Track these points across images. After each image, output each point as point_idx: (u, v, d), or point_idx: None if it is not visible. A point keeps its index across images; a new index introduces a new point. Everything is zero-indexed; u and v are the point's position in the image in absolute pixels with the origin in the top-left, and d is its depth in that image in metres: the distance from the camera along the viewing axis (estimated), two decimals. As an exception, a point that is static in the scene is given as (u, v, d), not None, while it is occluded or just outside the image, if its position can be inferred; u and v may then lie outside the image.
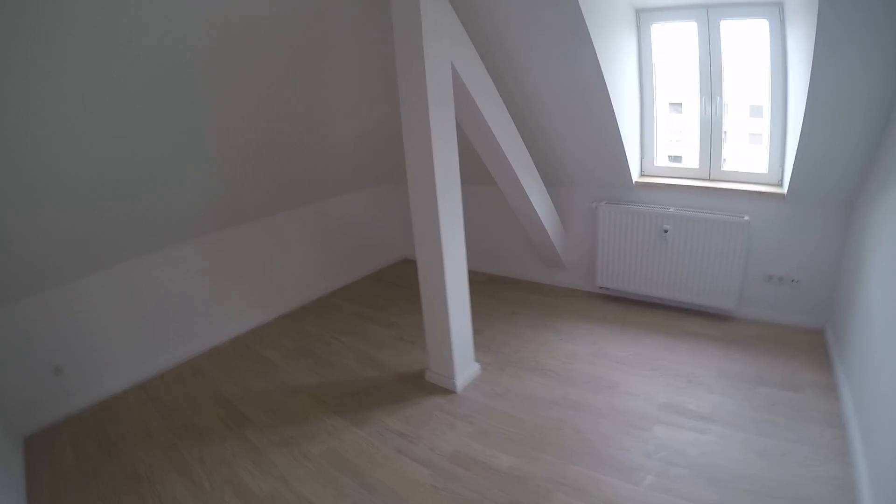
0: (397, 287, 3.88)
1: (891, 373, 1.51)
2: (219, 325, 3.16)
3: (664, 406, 2.15)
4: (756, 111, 2.65)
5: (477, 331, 2.93)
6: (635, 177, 2.92)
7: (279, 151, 2.90)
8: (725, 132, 2.67)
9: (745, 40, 2.50)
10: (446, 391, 2.45)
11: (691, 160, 2.82)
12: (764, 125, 2.50)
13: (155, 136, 2.25)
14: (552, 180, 3.14)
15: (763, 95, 2.47)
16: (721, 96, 2.57)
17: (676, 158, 3.06)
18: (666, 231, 2.75)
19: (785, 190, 2.41)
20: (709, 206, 2.67)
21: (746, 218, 2.49)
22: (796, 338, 2.53)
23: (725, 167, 2.70)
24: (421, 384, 2.54)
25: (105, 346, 2.67)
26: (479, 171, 3.36)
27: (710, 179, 2.74)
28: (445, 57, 2.07)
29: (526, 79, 2.56)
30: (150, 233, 2.67)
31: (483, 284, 3.71)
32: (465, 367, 2.49)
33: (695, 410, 2.09)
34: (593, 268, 3.24)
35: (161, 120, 2.21)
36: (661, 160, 2.95)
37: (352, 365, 2.79)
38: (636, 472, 1.81)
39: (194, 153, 2.49)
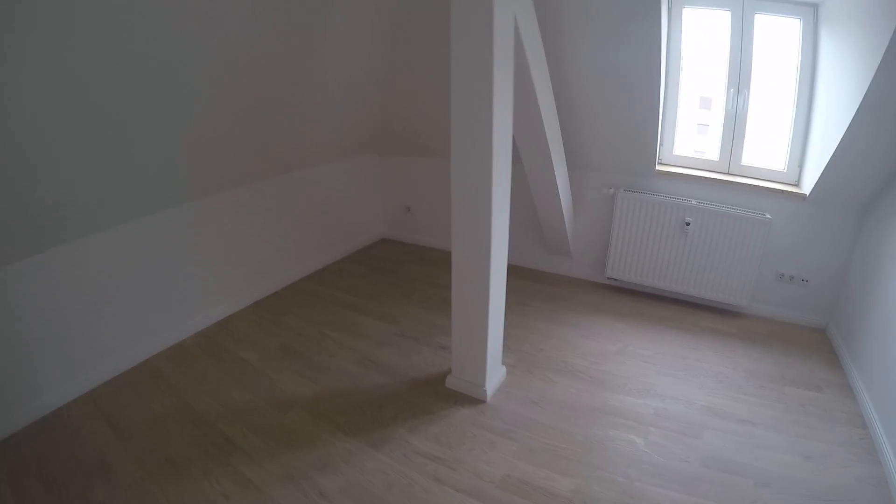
0: (383, 272, 3.65)
1: None
2: (179, 316, 2.74)
3: (706, 410, 2.27)
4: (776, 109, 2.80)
5: (489, 327, 2.89)
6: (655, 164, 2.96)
7: (254, 109, 2.50)
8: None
9: (775, 38, 2.60)
10: (474, 400, 2.34)
11: (711, 153, 2.92)
12: (787, 124, 2.65)
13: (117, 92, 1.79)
14: (568, 163, 3.07)
15: (788, 95, 2.60)
16: (748, 90, 2.67)
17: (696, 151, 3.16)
18: (688, 224, 2.85)
19: (804, 189, 2.62)
20: (728, 200, 2.82)
21: (769, 216, 2.67)
22: (804, 336, 2.82)
23: (745, 162, 2.84)
24: (441, 392, 2.40)
25: (41, 347, 2.18)
26: None
27: (728, 173, 2.88)
28: (510, 10, 1.84)
29: (573, 50, 2.42)
30: (92, 210, 2.17)
31: None
32: (494, 372, 2.40)
33: (735, 414, 2.24)
34: (602, 257, 3.31)
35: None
36: (679, 150, 3.02)
37: (351, 368, 2.56)
38: (700, 484, 1.89)
39: (161, 110, 2.05)
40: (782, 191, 2.68)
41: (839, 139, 2.17)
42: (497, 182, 2.00)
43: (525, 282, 3.51)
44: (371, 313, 3.08)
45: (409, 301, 3.23)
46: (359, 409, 2.27)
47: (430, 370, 2.56)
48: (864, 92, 1.96)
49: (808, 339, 2.79)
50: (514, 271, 3.63)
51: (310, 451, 2.04)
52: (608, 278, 3.31)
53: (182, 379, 2.44)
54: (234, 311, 3.03)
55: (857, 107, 2.01)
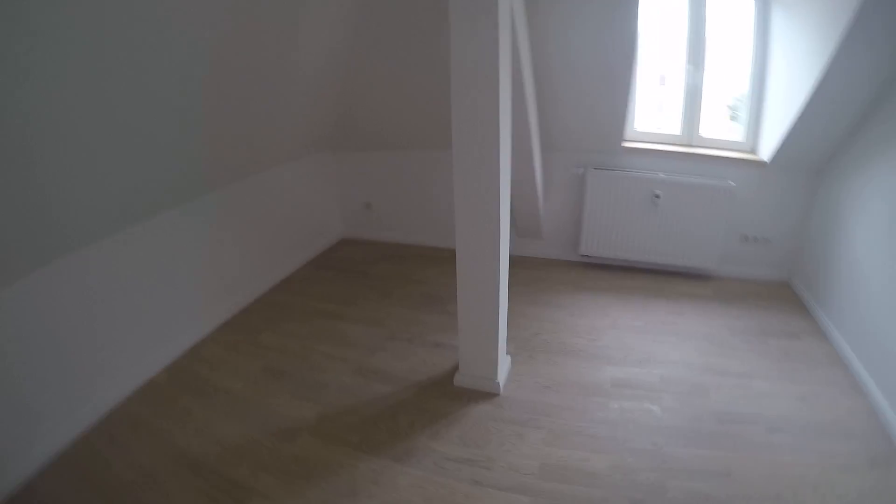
0: (353, 274, 3.52)
1: (885, 318, 2.01)
2: (142, 350, 2.45)
3: (705, 369, 2.45)
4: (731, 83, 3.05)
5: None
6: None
7: (209, 109, 2.26)
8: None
9: (730, 15, 2.82)
10: (488, 395, 2.33)
11: (671, 127, 3.12)
12: (743, 98, 2.90)
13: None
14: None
15: (743, 70, 2.85)
16: (703, 66, 2.88)
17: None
18: (658, 196, 3.03)
19: (762, 157, 2.89)
20: (692, 170, 3.04)
21: (732, 183, 2.91)
22: (771, 291, 3.13)
23: (704, 134, 3.08)
24: (451, 391, 2.37)
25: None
26: (426, 135, 3.25)
27: (690, 146, 3.09)
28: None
29: (542, 32, 2.44)
30: (35, 240, 1.85)
31: (454, 262, 3.63)
32: (503, 363, 2.41)
33: (731, 370, 2.45)
34: (574, 236, 3.44)
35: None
36: (641, 126, 3.20)
37: (349, 381, 2.45)
38: (720, 439, 2.04)
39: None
40: (743, 159, 2.94)
41: (800, 111, 2.42)
42: (503, 173, 1.99)
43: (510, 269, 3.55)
44: (353, 319, 2.95)
45: (390, 301, 3.14)
46: (371, 424, 2.18)
47: (431, 371, 2.52)
48: (825, 69, 2.19)
49: (776, 293, 3.11)
50: None
51: (332, 478, 1.92)
52: (582, 256, 3.45)
53: (165, 422, 2.18)
54: (203, 336, 2.76)
55: (818, 81, 2.25)
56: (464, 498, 1.82)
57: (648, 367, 2.49)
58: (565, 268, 3.53)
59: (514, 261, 3.56)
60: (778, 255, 3.15)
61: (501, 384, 2.35)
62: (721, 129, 3.13)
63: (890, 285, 2.16)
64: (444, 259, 3.67)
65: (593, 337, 2.74)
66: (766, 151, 2.84)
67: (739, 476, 1.86)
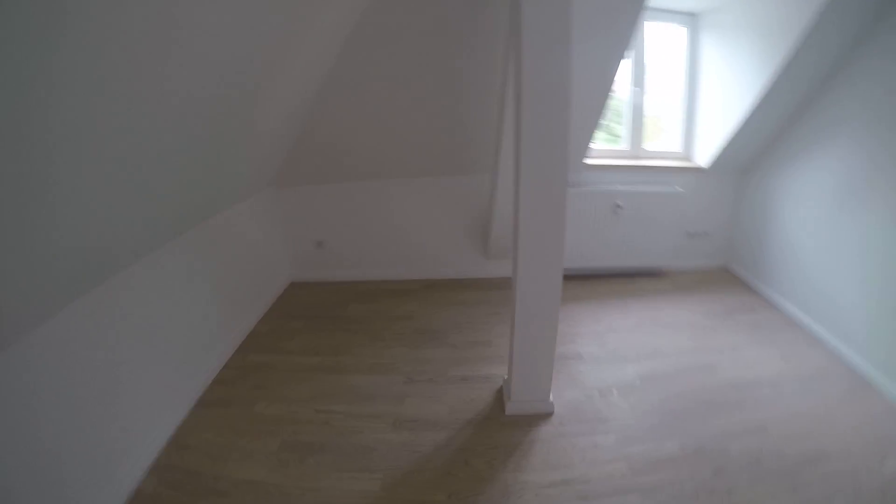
0: (324, 320, 3.31)
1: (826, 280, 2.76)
2: (112, 458, 1.93)
3: (702, 351, 2.93)
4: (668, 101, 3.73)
5: (487, 343, 2.98)
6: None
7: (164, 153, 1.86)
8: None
9: (665, 42, 3.52)
10: (543, 415, 2.43)
11: (619, 143, 3.68)
12: (679, 113, 3.59)
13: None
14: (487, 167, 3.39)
15: (677, 88, 3.55)
16: (643, 86, 3.50)
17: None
18: (620, 206, 3.52)
19: (700, 163, 3.59)
20: (644, 180, 3.60)
21: (680, 189, 3.54)
22: (716, 277, 3.86)
23: (647, 147, 3.69)
24: (506, 421, 2.40)
25: None
26: (388, 163, 3.33)
27: (638, 158, 3.68)
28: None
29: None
30: None
31: (429, 291, 3.71)
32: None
33: (721, 346, 2.97)
34: None
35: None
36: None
37: (393, 437, 2.31)
38: (745, 403, 2.48)
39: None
40: (684, 167, 3.61)
41: (739, 124, 3.13)
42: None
43: (476, 292, 3.71)
44: (354, 370, 2.76)
45: (385, 343, 3.02)
46: (447, 475, 2.09)
47: (474, 406, 2.51)
48: (763, 90, 2.90)
49: (720, 277, 3.85)
50: (456, 285, 3.83)
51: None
52: (546, 269, 3.77)
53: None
54: (179, 421, 2.29)
55: (757, 100, 2.95)
56: None
57: (660, 358, 2.88)
58: (538, 283, 3.80)
59: (488, 284, 3.85)
60: (716, 245, 3.94)
61: (554, 402, 2.47)
62: (660, 142, 3.81)
63: (824, 254, 2.96)
64: (417, 291, 3.74)
65: (600, 342, 3.04)
66: (702, 158, 3.55)
67: (772, 427, 2.32)
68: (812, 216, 3.09)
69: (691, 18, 3.38)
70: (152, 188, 1.85)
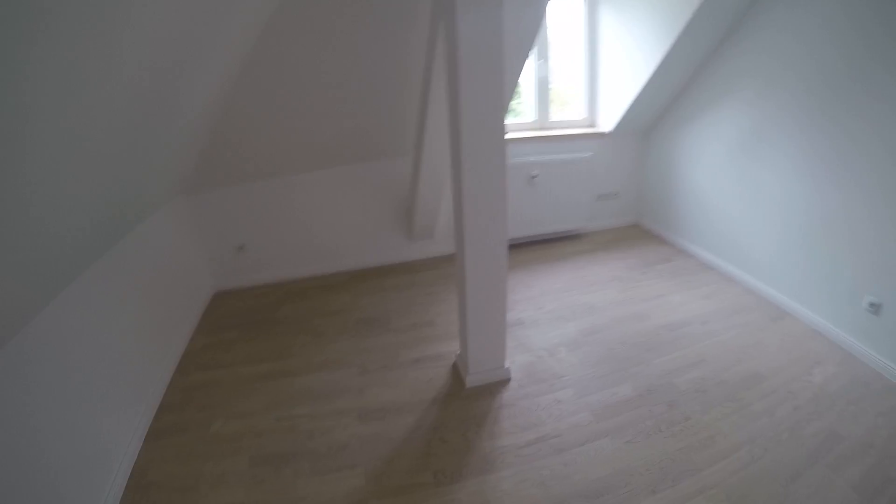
0: (260, 326, 3.15)
1: (730, 228, 3.27)
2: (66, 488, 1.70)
3: (633, 301, 3.25)
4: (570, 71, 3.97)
5: (430, 324, 3.06)
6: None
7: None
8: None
9: (566, 15, 3.75)
10: (502, 382, 2.56)
11: (526, 115, 3.87)
12: (581, 82, 3.85)
13: None
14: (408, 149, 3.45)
15: (578, 58, 3.80)
16: (547, 59, 3.71)
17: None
18: (534, 177, 3.72)
19: (605, 129, 3.89)
20: (554, 149, 3.84)
21: (588, 154, 3.83)
22: (631, 232, 4.23)
23: (553, 118, 3.92)
24: (470, 393, 2.49)
25: None
26: (303, 157, 3.27)
27: (545, 129, 3.89)
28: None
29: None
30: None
31: (358, 281, 3.69)
32: (502, 350, 2.67)
33: (650, 295, 3.31)
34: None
35: None
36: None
37: (364, 430, 2.28)
38: (679, 341, 2.81)
39: None
40: (589, 133, 3.89)
41: (639, 91, 3.45)
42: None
43: (405, 275, 3.76)
44: (305, 370, 2.67)
45: (328, 339, 2.95)
46: (427, 456, 2.12)
47: (435, 385, 2.56)
48: (662, 58, 3.22)
49: (633, 233, 4.23)
50: (385, 271, 3.87)
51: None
52: (472, 245, 3.91)
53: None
54: (134, 455, 2.07)
55: (655, 68, 3.27)
56: (564, 467, 2.03)
57: (595, 313, 3.13)
58: (464, 259, 3.93)
59: (408, 267, 3.93)
60: (626, 204, 4.33)
61: (511, 369, 2.61)
62: (565, 111, 4.08)
63: (727, 200, 3.43)
64: (346, 283, 3.70)
65: (536, 306, 3.24)
66: (606, 124, 3.86)
67: (709, 359, 2.65)
68: (712, 168, 3.52)
69: None
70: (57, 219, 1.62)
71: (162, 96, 1.83)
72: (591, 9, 3.71)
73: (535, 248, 4.07)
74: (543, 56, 3.67)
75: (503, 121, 2.09)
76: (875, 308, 2.52)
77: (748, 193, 3.25)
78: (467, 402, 2.44)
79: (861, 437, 2.11)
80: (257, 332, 3.05)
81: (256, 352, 2.86)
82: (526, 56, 2.82)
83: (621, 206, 4.36)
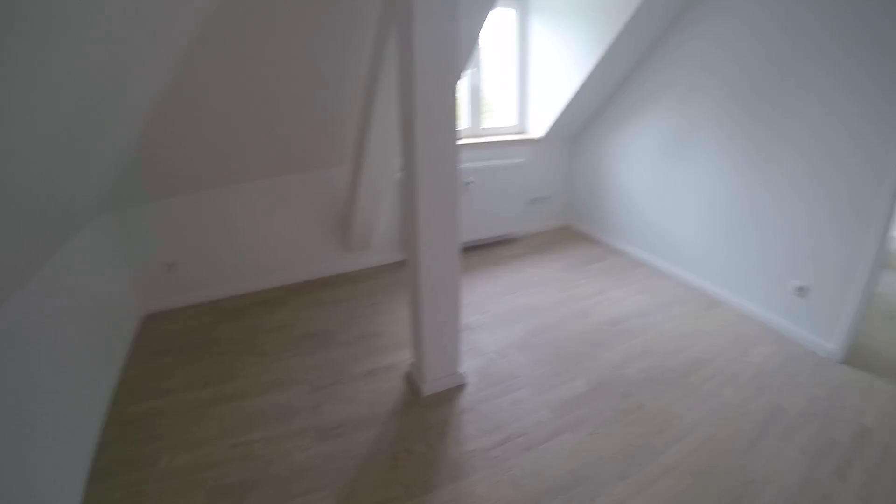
0: (198, 348, 2.95)
1: (658, 225, 3.55)
2: None
3: (572, 300, 3.43)
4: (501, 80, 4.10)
5: (377, 335, 3.05)
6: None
7: None
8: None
9: (498, 25, 3.89)
10: (458, 388, 2.59)
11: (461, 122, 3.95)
12: (512, 90, 4.00)
13: None
14: (344, 159, 3.44)
15: (510, 67, 3.95)
16: (479, 68, 3.83)
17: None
18: (469, 183, 3.81)
19: (537, 135, 4.07)
20: (487, 156, 3.95)
21: (520, 160, 3.98)
22: (561, 235, 4.44)
23: (484, 125, 4.04)
24: (428, 402, 2.50)
25: None
26: (238, 167, 3.19)
27: (477, 136, 4.00)
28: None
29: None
30: None
31: (298, 296, 3.59)
32: (455, 354, 2.71)
33: (587, 293, 3.51)
34: (398, 237, 3.93)
35: None
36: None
37: (326, 448, 2.20)
38: (621, 335, 3.01)
39: None
40: (521, 139, 4.04)
41: (570, 97, 3.66)
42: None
43: (344, 287, 3.71)
44: (254, 392, 2.54)
45: (273, 358, 2.82)
46: (395, 469, 2.10)
47: (391, 396, 2.55)
48: (592, 67, 3.46)
49: (564, 235, 4.46)
50: (323, 284, 3.81)
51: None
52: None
53: None
54: (77, 497, 1.83)
55: (586, 76, 3.50)
56: (534, 464, 2.10)
57: (539, 313, 3.27)
58: (397, 269, 3.97)
59: (346, 279, 3.92)
60: (557, 206, 4.56)
61: (466, 372, 2.66)
62: (497, 118, 4.21)
63: (655, 199, 3.73)
64: (285, 298, 3.60)
65: (482, 310, 3.32)
66: (536, 130, 4.05)
67: (653, 349, 2.88)
68: (639, 170, 3.82)
69: (521, 2, 3.81)
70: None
71: (98, 104, 1.69)
72: (522, 19, 3.89)
73: (473, 253, 4.17)
74: (476, 65, 3.78)
75: (456, 127, 2.14)
76: (801, 291, 2.87)
77: (674, 192, 3.57)
78: (427, 410, 2.44)
79: (802, 408, 2.41)
80: (196, 355, 2.86)
81: (198, 376, 2.68)
82: (467, 64, 2.91)
83: (553, 209, 4.58)
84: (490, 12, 2.65)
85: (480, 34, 2.79)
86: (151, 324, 3.21)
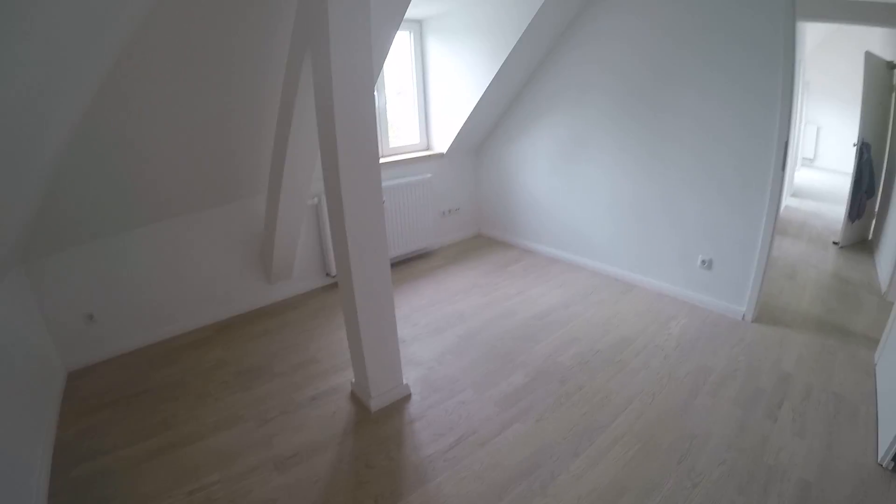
0: (134, 399, 2.83)
1: (567, 223, 3.99)
2: None
3: (497, 301, 3.71)
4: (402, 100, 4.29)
5: (314, 361, 3.13)
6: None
7: None
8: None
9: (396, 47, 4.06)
10: (405, 399, 2.73)
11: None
12: (414, 109, 4.22)
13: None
14: (258, 189, 3.48)
15: (410, 87, 4.17)
16: (383, 89, 4.01)
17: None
18: (383, 202, 3.96)
19: (441, 150, 4.33)
20: (397, 174, 4.14)
21: (429, 175, 4.21)
22: (475, 243, 4.77)
23: (392, 144, 4.22)
24: (377, 417, 2.61)
25: None
26: (162, 204, 3.17)
27: (385, 155, 4.17)
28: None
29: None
30: None
31: (227, 332, 3.54)
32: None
33: (510, 294, 3.82)
34: (320, 261, 4.03)
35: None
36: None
37: (285, 479, 2.23)
38: (549, 327, 3.33)
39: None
40: (427, 155, 4.28)
41: (469, 113, 3.96)
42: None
43: (278, 317, 3.73)
44: (201, 435, 2.49)
45: (214, 397, 2.78)
46: (361, 485, 2.16)
47: (341, 417, 2.62)
48: (486, 87, 3.80)
49: (479, 242, 4.79)
50: (249, 320, 3.78)
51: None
52: (329, 276, 4.04)
53: None
54: None
55: (481, 95, 3.82)
56: (492, 457, 2.29)
57: (467, 319, 3.52)
58: (326, 292, 4.06)
59: (284, 305, 3.83)
60: (467, 216, 4.86)
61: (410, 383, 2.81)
62: (402, 136, 4.42)
63: (560, 199, 4.17)
64: (213, 336, 3.56)
65: (412, 323, 3.50)
66: (440, 146, 4.31)
67: (581, 336, 3.23)
68: (542, 173, 4.24)
69: (416, 24, 4.06)
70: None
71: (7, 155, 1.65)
72: (419, 40, 4.15)
73: (394, 270, 4.31)
74: (379, 88, 3.97)
75: (376, 146, 2.29)
76: (707, 264, 3.39)
77: (579, 190, 4.02)
78: (378, 424, 2.56)
79: (725, 366, 2.85)
80: (133, 407, 2.73)
81: (139, 427, 2.57)
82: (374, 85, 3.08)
83: (464, 219, 4.89)
84: (394, 35, 2.86)
85: (385, 57, 2.99)
86: (79, 380, 3.01)
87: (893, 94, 4.69)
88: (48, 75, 1.52)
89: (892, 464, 2.05)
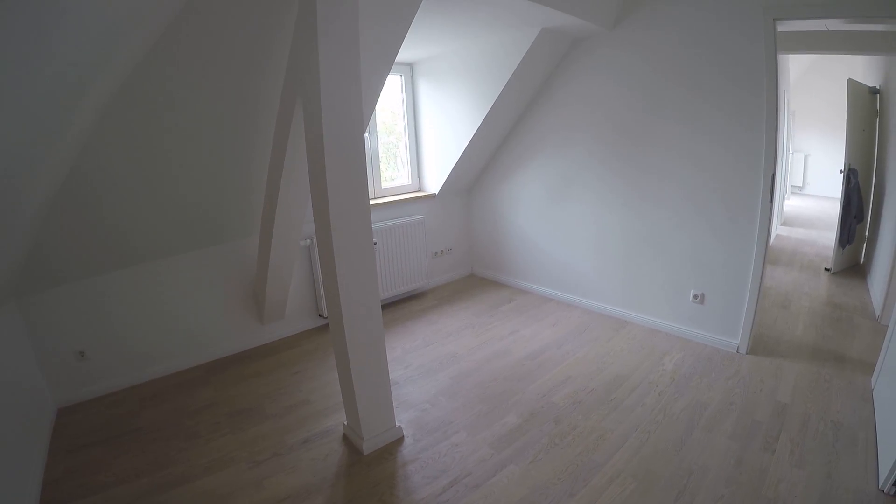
0: (123, 438, 2.92)
1: (557, 262, 4.24)
2: None
3: (490, 341, 3.87)
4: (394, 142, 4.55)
5: (306, 402, 3.24)
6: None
7: None
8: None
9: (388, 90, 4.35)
10: (397, 441, 2.83)
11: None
12: (406, 150, 4.47)
13: None
14: (250, 230, 3.68)
15: (401, 129, 4.43)
16: (375, 131, 4.27)
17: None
18: (375, 244, 4.16)
19: (432, 191, 4.56)
20: (389, 215, 4.36)
21: (421, 216, 4.42)
22: (467, 283, 4.95)
23: (384, 185, 4.45)
24: (368, 461, 2.69)
25: None
26: (150, 244, 3.34)
27: (378, 196, 4.40)
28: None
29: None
30: None
31: (218, 373, 3.66)
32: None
33: (503, 335, 3.98)
34: (311, 302, 4.19)
35: None
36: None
37: None
38: (543, 365, 3.48)
39: None
40: (419, 196, 4.51)
41: (459, 155, 4.22)
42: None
43: (270, 358, 3.85)
44: (192, 476, 2.59)
45: (205, 439, 2.88)
46: None
47: (333, 460, 2.72)
48: (476, 128, 4.08)
49: (470, 282, 4.98)
50: (247, 357, 3.92)
51: None
52: (322, 316, 4.18)
53: None
54: None
55: (472, 136, 4.10)
56: (486, 499, 2.37)
57: (460, 360, 3.67)
58: (319, 332, 4.20)
59: (276, 347, 3.97)
60: (460, 256, 5.08)
61: (402, 425, 2.93)
62: (393, 178, 4.66)
63: (550, 239, 4.39)
64: (205, 377, 3.68)
65: (405, 365, 3.64)
66: (432, 186, 4.55)
67: (574, 374, 3.38)
68: (532, 213, 4.49)
69: (408, 67, 4.36)
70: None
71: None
72: (410, 84, 4.45)
73: (386, 311, 4.50)
74: (371, 130, 4.22)
75: (366, 185, 2.44)
76: (699, 298, 3.58)
77: (568, 229, 4.26)
78: (371, 467, 2.66)
79: (721, 400, 2.98)
80: (123, 446, 2.83)
81: (130, 467, 2.67)
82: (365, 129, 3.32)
83: (456, 259, 5.10)
84: (385, 79, 3.10)
85: (376, 99, 3.23)
86: (68, 417, 3.12)
87: (877, 120, 5.01)
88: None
89: (894, 489, 2.12)
